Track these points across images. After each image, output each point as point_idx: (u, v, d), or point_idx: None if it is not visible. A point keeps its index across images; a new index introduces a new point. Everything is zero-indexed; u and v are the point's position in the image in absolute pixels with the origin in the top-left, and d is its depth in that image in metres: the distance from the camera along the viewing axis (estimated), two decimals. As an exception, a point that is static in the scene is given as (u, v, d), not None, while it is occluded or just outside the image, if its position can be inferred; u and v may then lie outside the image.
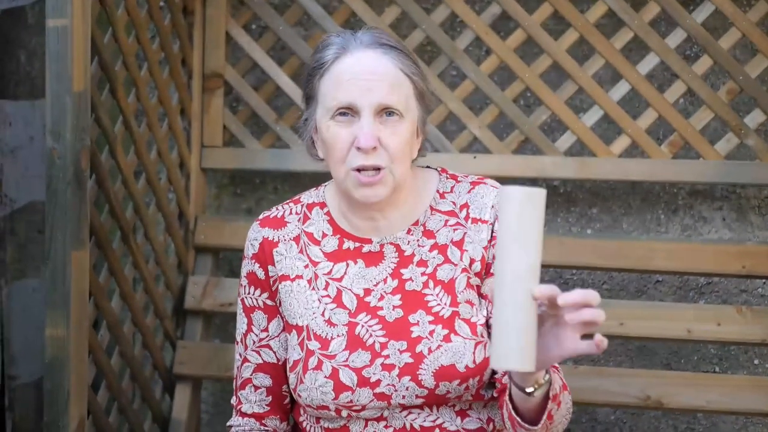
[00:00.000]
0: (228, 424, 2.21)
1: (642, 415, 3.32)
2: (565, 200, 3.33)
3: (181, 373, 3.18)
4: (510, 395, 1.86)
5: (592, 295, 1.64)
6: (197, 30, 3.28)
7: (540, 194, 1.68)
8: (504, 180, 3.16)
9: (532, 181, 3.29)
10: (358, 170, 1.96)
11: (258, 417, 2.17)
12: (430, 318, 2.04)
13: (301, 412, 2.15)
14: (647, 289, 3.29)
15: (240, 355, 2.17)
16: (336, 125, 1.98)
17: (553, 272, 3.31)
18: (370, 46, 1.99)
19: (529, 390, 1.79)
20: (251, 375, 2.16)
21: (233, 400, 2.21)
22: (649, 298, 3.29)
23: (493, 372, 2.06)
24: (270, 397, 2.16)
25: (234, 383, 2.20)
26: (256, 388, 2.16)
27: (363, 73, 1.96)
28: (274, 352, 2.14)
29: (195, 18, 3.27)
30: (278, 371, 2.15)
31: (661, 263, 3.04)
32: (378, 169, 1.96)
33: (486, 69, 3.19)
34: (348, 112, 1.97)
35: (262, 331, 2.14)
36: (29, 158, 3.11)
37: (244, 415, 2.18)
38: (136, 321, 3.01)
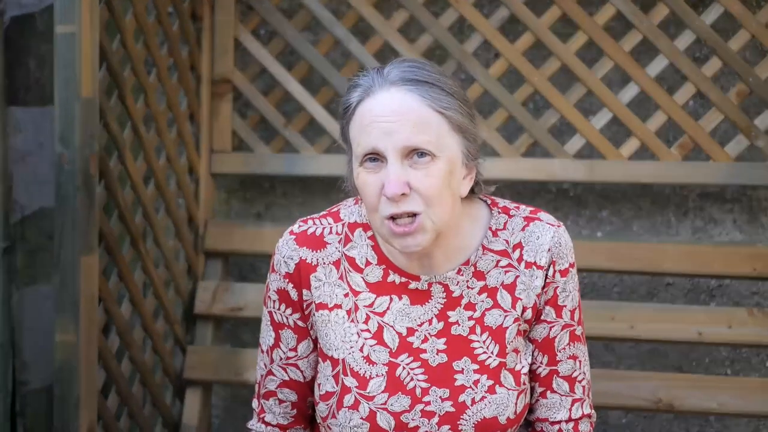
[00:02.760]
0: (249, 425, 2.14)
1: (653, 418, 3.31)
2: (575, 203, 3.33)
3: (192, 378, 3.18)
4: None
5: None
6: (206, 35, 3.29)
7: None
8: (514, 183, 3.19)
9: (542, 185, 3.29)
10: (392, 218, 1.85)
11: (282, 428, 2.11)
12: (476, 366, 1.97)
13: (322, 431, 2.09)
14: (658, 291, 3.28)
15: (265, 365, 2.08)
16: (365, 172, 1.86)
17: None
18: (395, 83, 1.86)
19: None
20: (276, 389, 2.08)
21: (254, 405, 2.13)
22: (659, 301, 3.28)
23: (531, 408, 2.06)
24: (295, 410, 2.10)
25: (256, 388, 2.12)
26: (281, 401, 2.08)
27: (384, 114, 1.84)
28: (302, 372, 2.06)
29: (204, 24, 3.28)
30: (304, 389, 2.08)
31: (671, 265, 3.03)
32: (413, 215, 1.84)
33: (495, 72, 3.18)
34: (376, 157, 1.85)
35: (290, 350, 2.05)
36: (39, 164, 3.11)
37: (267, 424, 2.11)
38: (146, 326, 3.02)
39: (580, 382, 2.05)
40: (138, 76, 2.93)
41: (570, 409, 2.05)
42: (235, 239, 3.27)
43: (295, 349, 2.05)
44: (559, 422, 2.05)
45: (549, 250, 1.98)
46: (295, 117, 3.33)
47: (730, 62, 3.05)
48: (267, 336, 2.07)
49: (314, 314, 2.01)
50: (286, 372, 2.07)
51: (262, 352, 2.09)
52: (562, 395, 2.04)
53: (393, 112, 1.84)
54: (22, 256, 3.11)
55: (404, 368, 1.97)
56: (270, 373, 2.08)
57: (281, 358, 2.06)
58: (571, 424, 2.05)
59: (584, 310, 2.96)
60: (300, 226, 2.03)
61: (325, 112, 3.26)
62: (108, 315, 2.81)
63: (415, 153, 1.84)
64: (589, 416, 2.08)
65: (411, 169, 1.84)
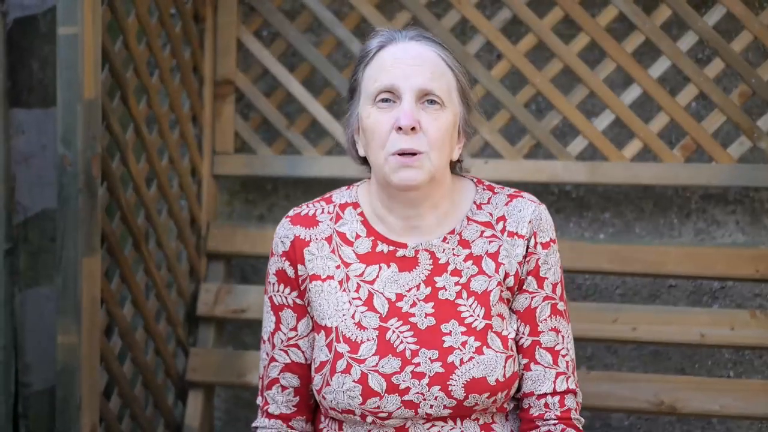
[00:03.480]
0: (254, 425, 2.18)
1: (656, 421, 3.30)
2: (578, 205, 3.32)
3: (194, 380, 3.18)
4: None
5: None
6: (208, 37, 3.29)
7: None
8: (516, 185, 3.17)
9: (544, 186, 3.29)
10: (398, 155, 1.97)
11: (285, 418, 2.15)
12: (463, 329, 2.03)
13: (322, 419, 2.14)
14: (660, 293, 3.28)
15: (267, 354, 2.14)
16: (377, 111, 1.99)
17: (566, 277, 3.28)
18: (415, 38, 2.03)
19: None
20: (279, 375, 2.13)
21: (259, 401, 2.18)
22: (662, 303, 3.27)
23: (519, 386, 2.08)
24: (297, 398, 2.14)
25: (260, 383, 2.17)
26: (284, 388, 2.13)
27: (406, 58, 1.99)
28: (303, 352, 2.12)
29: (206, 25, 3.28)
30: (306, 372, 2.13)
31: (674, 267, 3.03)
32: (416, 153, 1.96)
33: (497, 74, 3.18)
34: (390, 97, 1.98)
35: (290, 330, 2.12)
36: (42, 166, 3.12)
37: (270, 416, 2.15)
38: (148, 328, 3.02)
39: (563, 356, 2.09)
40: (140, 77, 2.93)
41: (554, 382, 2.08)
42: (237, 241, 3.27)
43: (295, 329, 2.12)
44: (545, 395, 2.07)
45: (530, 222, 2.07)
46: (297, 118, 3.33)
47: (733, 63, 3.05)
48: (268, 323, 2.15)
49: (309, 287, 2.09)
50: (288, 354, 2.12)
51: (264, 342, 2.16)
52: (545, 367, 2.07)
53: (413, 57, 2.00)
54: (25, 257, 3.12)
55: (394, 332, 2.04)
56: (272, 359, 2.13)
57: (282, 341, 2.12)
58: (556, 398, 2.07)
59: (586, 312, 2.99)
60: (294, 210, 2.16)
61: (328, 114, 3.26)
62: (110, 317, 2.81)
63: (426, 99, 1.98)
64: (574, 393, 2.10)
65: (422, 112, 1.98)
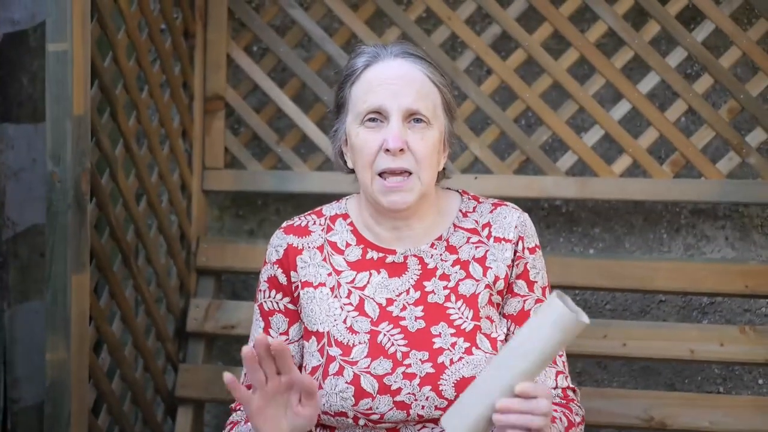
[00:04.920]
0: (229, 421, 2.14)
1: (646, 436, 3.30)
2: (567, 220, 3.33)
3: (183, 396, 3.17)
4: None
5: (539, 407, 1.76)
6: (198, 52, 3.29)
7: (578, 324, 1.73)
8: (506, 200, 3.17)
9: (534, 201, 3.29)
10: (383, 176, 2.01)
11: None
12: (452, 331, 2.06)
13: (314, 428, 2.13)
14: (650, 308, 3.28)
15: None
16: (365, 131, 2.03)
17: (556, 292, 3.30)
18: (400, 55, 2.06)
19: None
20: None
21: (234, 404, 2.16)
22: (652, 318, 3.27)
23: None
24: None
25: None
26: None
27: (393, 78, 2.03)
28: (292, 356, 2.07)
29: (196, 41, 3.28)
30: None
31: (663, 283, 3.03)
32: (405, 173, 2.01)
33: (486, 89, 3.19)
34: (377, 117, 2.03)
35: (281, 334, 2.13)
36: (32, 181, 3.11)
37: None
38: (137, 344, 3.01)
39: (560, 356, 2.13)
40: (130, 93, 2.93)
41: (555, 379, 2.11)
42: (227, 256, 3.27)
43: (286, 333, 2.14)
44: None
45: (516, 227, 2.13)
46: (287, 134, 3.33)
47: (722, 79, 3.06)
48: (256, 329, 2.16)
49: (301, 295, 2.12)
50: None
51: None
52: None
53: (400, 77, 2.03)
54: (15, 272, 3.11)
55: (385, 335, 2.07)
56: None
57: None
58: (558, 390, 2.11)
59: (576, 328, 2.98)
60: (287, 222, 2.20)
61: (318, 129, 3.26)
62: (99, 333, 2.80)
63: (413, 118, 2.02)
64: (574, 390, 2.14)
65: (409, 131, 2.02)
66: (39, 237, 3.09)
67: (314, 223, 2.17)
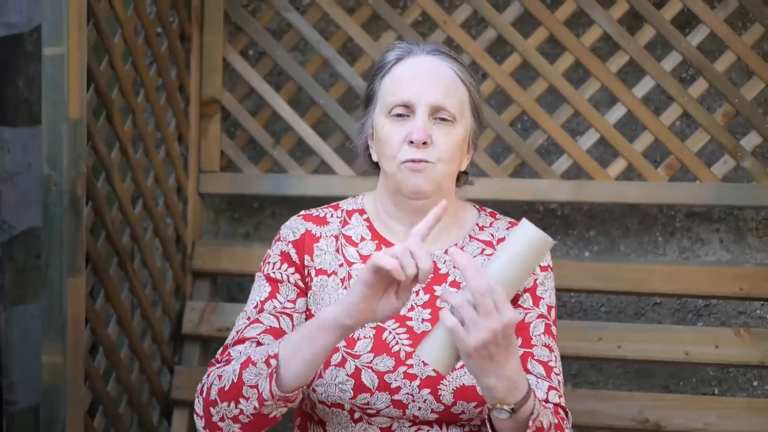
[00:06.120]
0: (202, 383, 1.99)
1: (641, 438, 3.31)
2: (563, 223, 3.33)
3: (179, 398, 3.17)
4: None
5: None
6: (194, 56, 3.30)
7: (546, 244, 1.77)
8: (501, 203, 3.19)
9: (530, 204, 3.30)
10: (408, 162, 2.01)
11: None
12: None
13: (308, 425, 2.13)
14: (645, 311, 3.29)
15: (248, 318, 2.05)
16: (391, 123, 2.04)
17: (551, 295, 3.31)
18: (431, 52, 2.08)
19: (491, 407, 1.82)
20: (258, 335, 2.02)
21: (214, 360, 2.03)
22: (647, 321, 3.28)
23: None
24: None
25: (223, 348, 2.04)
26: (259, 344, 2.00)
27: (422, 74, 2.04)
28: (294, 325, 2.06)
29: (192, 44, 3.28)
30: None
31: (659, 285, 3.04)
32: (427, 162, 2.01)
33: (482, 93, 3.18)
34: (404, 112, 2.03)
35: (288, 301, 2.08)
36: (28, 184, 3.12)
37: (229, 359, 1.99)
38: (133, 346, 3.01)
39: (556, 374, 2.08)
40: (126, 96, 2.94)
41: (547, 393, 2.04)
42: (223, 259, 3.27)
43: (293, 302, 2.09)
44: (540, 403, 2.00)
45: None
46: (283, 137, 3.34)
47: (717, 83, 3.07)
48: (260, 292, 2.09)
49: (313, 279, 2.09)
50: (278, 320, 2.06)
51: (244, 312, 2.07)
52: (537, 377, 2.05)
53: (430, 72, 2.05)
54: (10, 275, 3.11)
55: (390, 332, 2.06)
56: (256, 321, 2.05)
57: (275, 308, 2.06)
58: (549, 405, 2.03)
59: (572, 330, 3.00)
60: (305, 211, 2.18)
61: (314, 133, 3.27)
62: (95, 336, 2.81)
63: (438, 116, 2.03)
64: (565, 411, 2.06)
65: (434, 127, 2.03)
66: (35, 240, 3.10)
67: (332, 216, 2.16)
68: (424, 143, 2.00)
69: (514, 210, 3.30)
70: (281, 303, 2.08)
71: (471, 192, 3.02)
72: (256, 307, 2.07)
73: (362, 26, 3.25)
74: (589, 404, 2.95)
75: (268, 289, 2.09)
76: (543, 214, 3.34)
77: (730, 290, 3.01)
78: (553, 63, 3.15)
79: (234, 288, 3.49)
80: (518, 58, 3.17)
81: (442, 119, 2.03)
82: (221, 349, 2.05)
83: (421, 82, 2.03)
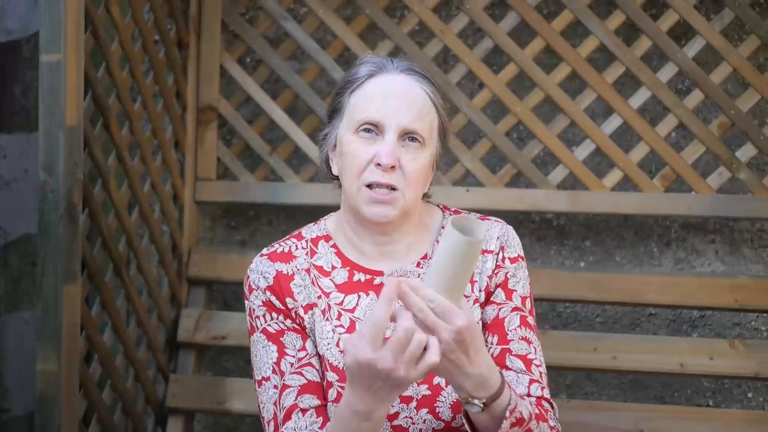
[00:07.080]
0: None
1: (636, 449, 3.31)
2: (558, 233, 3.34)
3: (174, 406, 3.17)
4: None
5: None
6: (191, 63, 3.30)
7: (471, 243, 1.71)
8: (497, 213, 3.19)
9: (525, 214, 3.30)
10: (370, 187, 1.98)
11: None
12: None
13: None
14: (640, 322, 3.29)
15: (276, 387, 2.01)
16: (358, 140, 1.99)
17: (546, 305, 3.31)
18: (405, 71, 2.03)
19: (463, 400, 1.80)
20: (296, 400, 1.99)
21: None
22: (642, 332, 3.29)
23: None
24: (321, 418, 1.99)
25: (272, 424, 2.00)
26: (304, 411, 1.98)
27: (395, 93, 1.99)
28: (317, 371, 2.03)
29: (189, 52, 3.29)
30: (322, 390, 2.03)
31: (654, 296, 3.04)
32: (392, 188, 1.98)
33: (478, 103, 3.20)
34: (373, 129, 1.99)
35: (299, 350, 2.03)
36: (24, 191, 3.11)
37: None
38: (128, 354, 3.01)
39: (537, 366, 2.04)
40: (123, 103, 2.94)
41: (528, 387, 2.00)
42: (219, 267, 3.27)
43: (304, 348, 2.04)
44: (520, 396, 1.95)
45: (498, 238, 2.09)
46: (279, 145, 3.34)
47: (712, 95, 3.08)
48: (267, 356, 2.03)
49: (304, 317, 2.05)
50: (303, 375, 2.02)
51: (267, 379, 2.02)
52: (517, 372, 2.01)
53: (403, 93, 2.00)
54: (6, 282, 3.11)
55: None
56: (285, 387, 2.00)
57: (292, 364, 2.02)
58: (532, 399, 1.98)
59: (566, 341, 3.00)
60: (267, 249, 2.12)
61: (310, 141, 3.27)
62: (90, 343, 2.80)
63: (408, 137, 1.99)
64: (550, 402, 2.02)
65: (402, 149, 1.99)
66: (31, 247, 3.09)
67: (297, 248, 2.10)
68: (392, 167, 1.96)
69: (510, 220, 3.26)
70: (294, 356, 2.03)
71: (466, 202, 3.04)
72: (275, 372, 2.02)
73: (359, 35, 3.25)
74: (584, 415, 2.95)
75: (274, 347, 2.04)
76: (539, 224, 3.34)
77: (725, 302, 3.01)
78: (549, 73, 3.16)
79: (230, 295, 3.49)
80: (515, 68, 3.17)
81: (412, 139, 1.99)
82: (268, 426, 2.01)
83: (393, 102, 1.98)
